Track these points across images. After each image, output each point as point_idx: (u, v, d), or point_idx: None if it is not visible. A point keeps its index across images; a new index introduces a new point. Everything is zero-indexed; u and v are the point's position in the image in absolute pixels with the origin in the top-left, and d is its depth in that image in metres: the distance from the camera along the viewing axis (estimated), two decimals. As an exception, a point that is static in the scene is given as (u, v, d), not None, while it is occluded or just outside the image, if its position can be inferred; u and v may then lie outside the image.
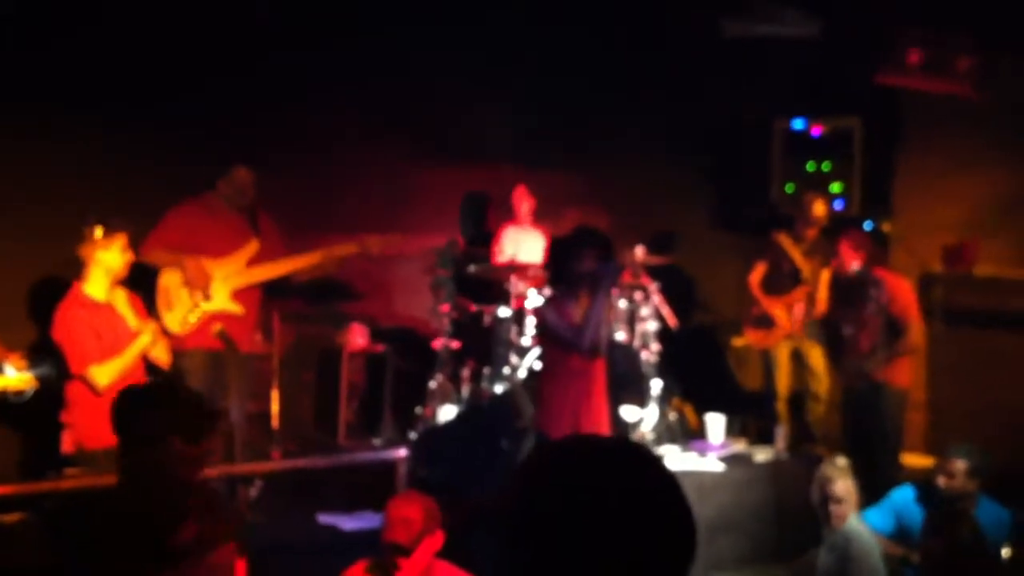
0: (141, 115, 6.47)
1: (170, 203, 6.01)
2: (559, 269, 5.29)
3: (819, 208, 7.25)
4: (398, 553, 3.95)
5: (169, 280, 5.83)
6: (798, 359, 7.34)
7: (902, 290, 6.56)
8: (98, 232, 5.00)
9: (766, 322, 7.33)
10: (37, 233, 6.09)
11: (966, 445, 5.22)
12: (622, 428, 6.64)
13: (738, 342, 7.70)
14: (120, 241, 5.06)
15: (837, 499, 4.85)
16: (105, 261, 5.04)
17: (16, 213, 6.18)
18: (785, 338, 7.29)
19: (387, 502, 4.12)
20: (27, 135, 6.24)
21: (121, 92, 6.39)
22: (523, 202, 7.72)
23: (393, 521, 3.99)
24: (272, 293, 6.38)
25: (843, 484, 4.88)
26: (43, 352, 5.23)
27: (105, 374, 4.97)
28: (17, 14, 6.11)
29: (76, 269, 5.13)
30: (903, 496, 5.35)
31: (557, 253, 5.28)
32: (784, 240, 7.30)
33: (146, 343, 5.15)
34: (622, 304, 7.12)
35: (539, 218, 7.84)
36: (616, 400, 5.28)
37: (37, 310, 5.96)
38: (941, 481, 5.14)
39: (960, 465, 5.10)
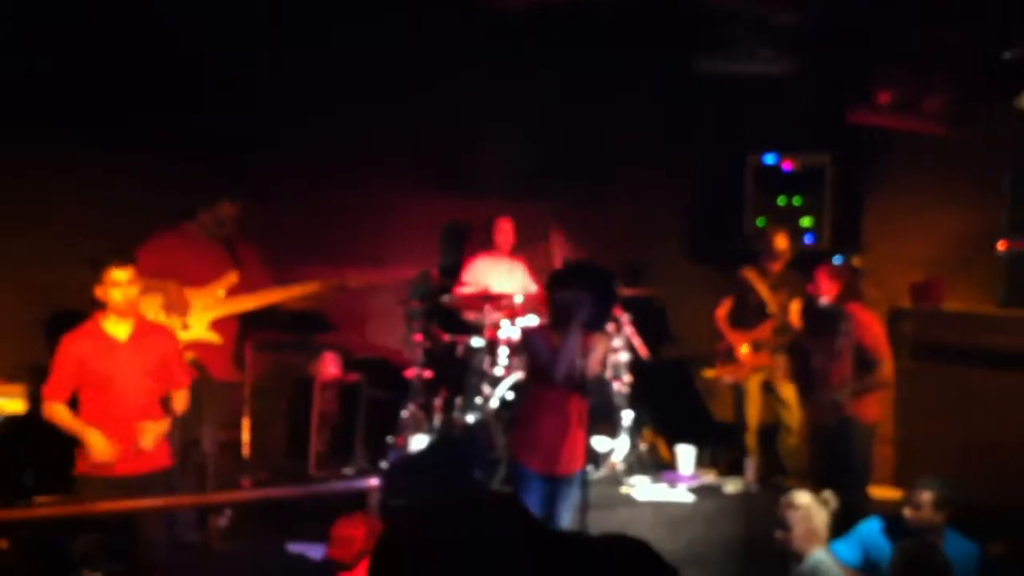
0: (125, 144, 6.55)
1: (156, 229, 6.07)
2: (547, 299, 5.35)
3: (781, 242, 7.32)
4: (339, 569, 4.19)
5: (148, 306, 5.82)
6: (769, 391, 7.39)
7: (872, 325, 6.62)
8: (117, 274, 4.92)
9: (734, 356, 7.38)
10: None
11: (933, 478, 5.27)
12: (593, 459, 6.66)
13: (708, 374, 7.75)
14: (115, 276, 4.94)
15: (800, 531, 4.88)
16: (106, 298, 4.96)
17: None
18: (755, 370, 7.34)
19: (333, 525, 4.35)
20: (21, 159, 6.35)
21: (107, 118, 6.49)
22: (503, 234, 7.75)
23: (336, 539, 4.25)
24: (250, 323, 6.39)
25: (806, 516, 4.90)
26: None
27: (57, 411, 4.94)
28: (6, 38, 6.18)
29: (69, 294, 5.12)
30: (870, 528, 5.39)
31: (547, 284, 5.35)
32: (750, 275, 7.37)
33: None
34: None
35: (516, 249, 7.88)
36: (588, 431, 5.30)
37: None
38: (908, 513, 5.19)
39: (927, 497, 5.16)
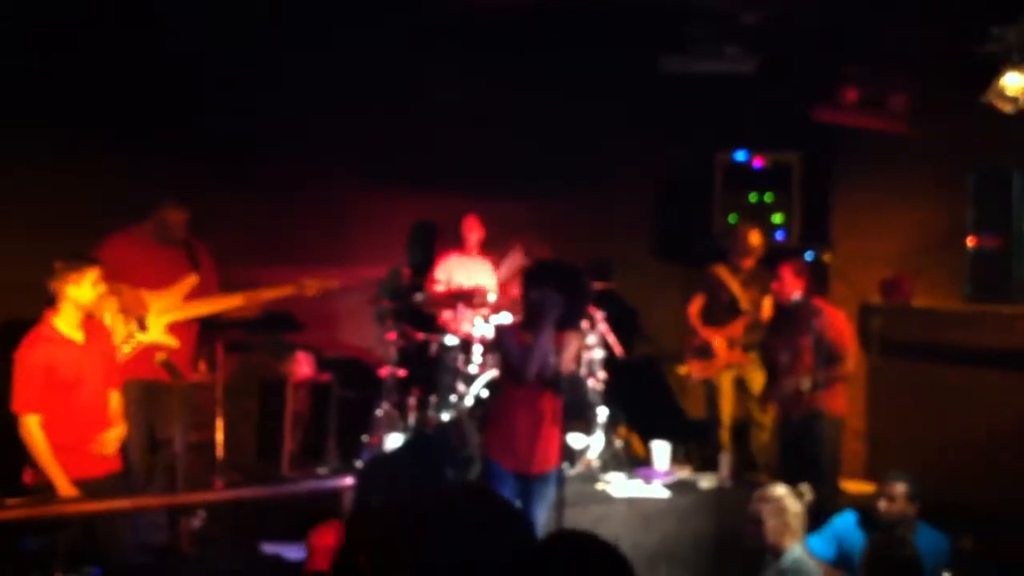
0: (86, 145, 6.53)
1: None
2: (520, 298, 5.34)
3: (755, 238, 7.35)
4: None
5: (106, 308, 5.76)
6: (741, 387, 7.43)
7: (838, 320, 6.67)
8: (92, 274, 4.91)
9: (707, 352, 7.41)
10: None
11: (905, 471, 5.33)
12: (568, 456, 6.68)
13: (681, 370, 7.79)
14: (91, 275, 4.93)
15: (771, 524, 4.89)
16: (75, 296, 4.91)
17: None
18: (727, 367, 7.38)
19: (310, 534, 4.12)
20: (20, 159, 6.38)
21: (104, 117, 6.49)
22: (472, 232, 7.75)
23: (316, 551, 3.99)
24: (209, 326, 6.35)
25: (778, 509, 4.91)
26: None
27: (36, 431, 4.85)
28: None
29: (36, 294, 5.03)
30: (844, 522, 5.43)
31: (520, 283, 5.34)
32: (722, 271, 7.40)
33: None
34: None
35: (485, 247, 7.88)
36: (563, 428, 5.31)
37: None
38: (882, 505, 5.24)
39: (900, 489, 5.22)
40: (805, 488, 5.07)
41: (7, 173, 6.46)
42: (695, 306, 7.50)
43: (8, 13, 6.16)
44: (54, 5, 6.36)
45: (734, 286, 7.34)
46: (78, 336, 4.98)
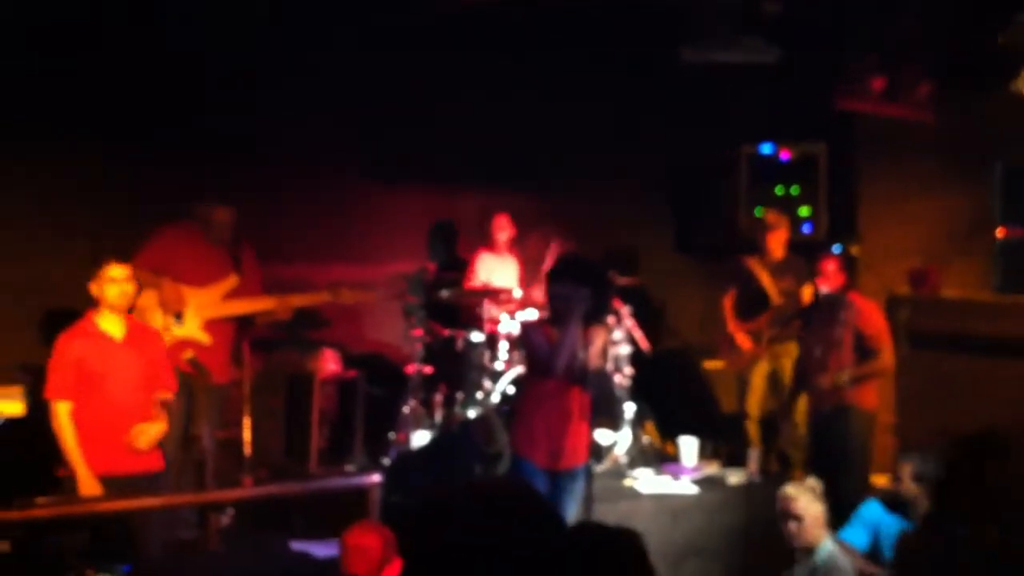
0: (86, 145, 6.60)
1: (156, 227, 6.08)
2: (546, 294, 5.32)
3: (771, 216, 7.35)
4: None
5: (145, 301, 5.84)
6: (774, 382, 7.37)
7: (873, 313, 6.62)
8: (114, 271, 4.98)
9: (736, 346, 7.39)
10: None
11: (916, 452, 5.32)
12: (596, 452, 6.66)
13: (711, 365, 7.74)
14: (111, 273, 5.01)
15: (798, 518, 4.87)
16: (100, 294, 5.01)
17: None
18: (756, 360, 7.34)
19: (342, 534, 4.10)
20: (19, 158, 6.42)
21: (105, 117, 6.53)
22: (502, 231, 7.74)
23: (351, 551, 3.99)
24: (245, 325, 6.41)
25: (805, 503, 4.88)
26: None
27: (64, 418, 4.94)
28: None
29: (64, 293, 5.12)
30: (872, 509, 5.43)
31: (545, 279, 5.34)
32: (753, 263, 7.37)
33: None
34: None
35: (511, 245, 7.87)
36: (591, 423, 5.30)
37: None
38: (892, 486, 5.30)
39: (905, 469, 5.24)
40: (814, 482, 5.05)
41: (7, 173, 6.50)
42: (729, 299, 7.49)
43: (8, 13, 6.18)
44: (54, 5, 6.36)
45: (764, 278, 7.31)
46: (116, 333, 5.06)
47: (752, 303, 7.34)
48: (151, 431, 5.06)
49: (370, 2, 7.19)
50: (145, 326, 5.35)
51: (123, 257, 5.06)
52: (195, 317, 6.05)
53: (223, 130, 6.93)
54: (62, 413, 4.94)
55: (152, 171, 6.69)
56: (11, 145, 6.39)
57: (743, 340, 7.32)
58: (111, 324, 5.04)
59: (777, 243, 7.35)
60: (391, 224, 8.02)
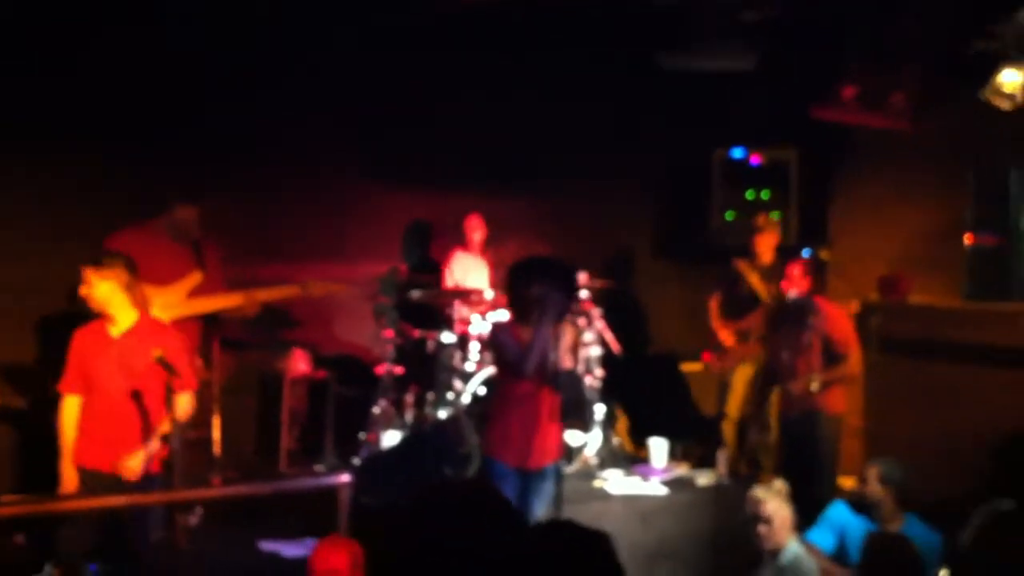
0: (86, 146, 6.55)
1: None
2: (511, 294, 5.31)
3: (760, 219, 7.41)
4: None
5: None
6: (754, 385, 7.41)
7: (840, 319, 6.66)
8: (86, 273, 4.96)
9: (723, 347, 7.45)
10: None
11: (892, 459, 5.37)
12: (566, 453, 6.66)
13: (691, 367, 7.77)
14: (86, 275, 4.98)
15: (768, 521, 4.90)
16: (97, 297, 4.99)
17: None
18: (743, 361, 7.38)
19: (310, 555, 4.07)
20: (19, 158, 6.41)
21: (104, 116, 6.51)
22: (476, 231, 7.75)
23: (319, 574, 3.95)
24: (211, 322, 6.36)
25: (775, 506, 4.92)
26: None
27: (64, 411, 5.02)
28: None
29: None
30: (838, 511, 5.46)
31: (510, 279, 5.30)
32: (742, 265, 7.42)
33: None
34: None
35: (485, 246, 7.88)
36: (561, 425, 5.30)
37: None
38: (858, 488, 5.34)
39: (872, 471, 5.29)
40: (780, 483, 5.08)
41: (7, 173, 6.47)
42: (715, 301, 7.55)
43: (8, 13, 6.15)
44: (54, 5, 6.34)
45: (753, 279, 7.36)
46: (115, 332, 5.05)
47: (739, 305, 7.39)
48: (133, 463, 4.99)
49: (370, 2, 7.21)
50: (156, 323, 5.27)
51: (98, 257, 5.03)
52: (160, 317, 5.97)
53: (223, 130, 6.92)
54: (64, 406, 5.03)
55: (152, 171, 6.63)
56: (11, 145, 6.34)
57: (727, 337, 7.37)
58: (115, 324, 5.05)
59: (766, 247, 7.42)
60: (391, 224, 8.03)
